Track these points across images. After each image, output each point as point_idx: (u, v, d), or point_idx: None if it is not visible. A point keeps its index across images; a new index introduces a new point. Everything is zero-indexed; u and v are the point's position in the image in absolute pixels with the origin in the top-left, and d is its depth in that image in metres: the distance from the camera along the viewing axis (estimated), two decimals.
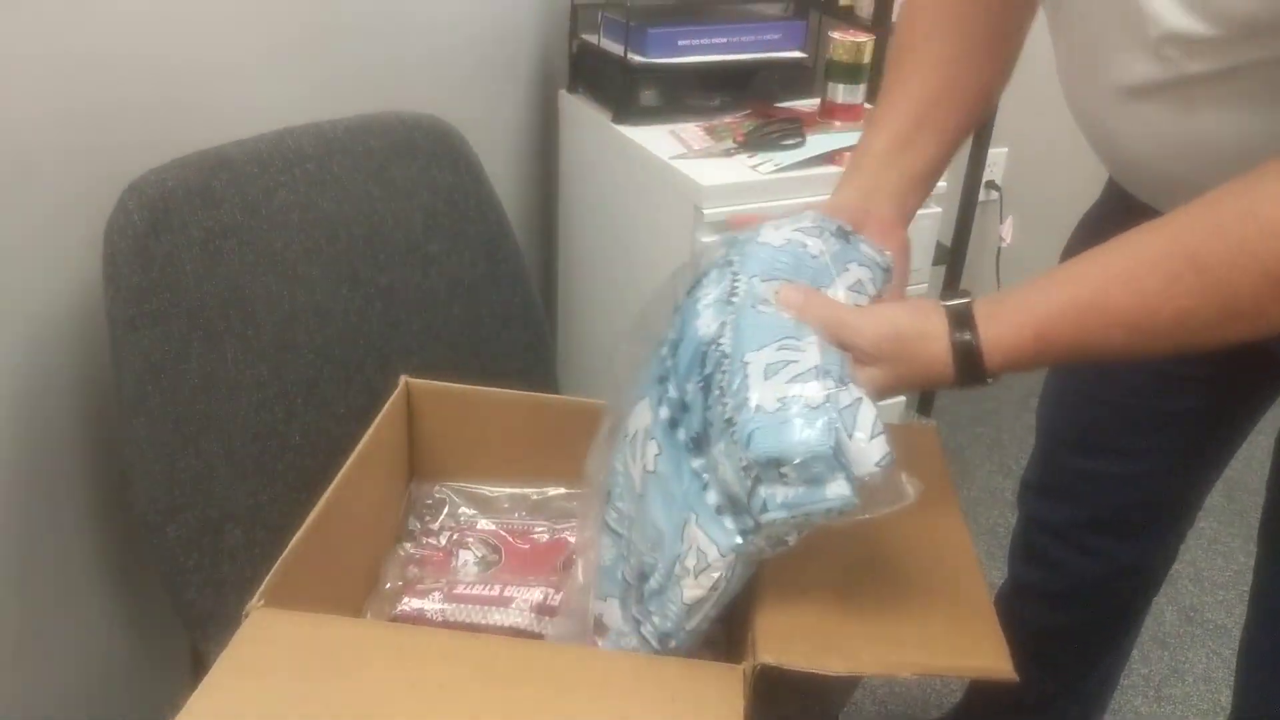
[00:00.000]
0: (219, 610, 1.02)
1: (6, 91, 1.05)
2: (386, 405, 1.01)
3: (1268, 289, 0.63)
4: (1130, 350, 0.69)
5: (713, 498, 0.71)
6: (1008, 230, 2.44)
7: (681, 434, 0.74)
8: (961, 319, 0.71)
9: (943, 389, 0.75)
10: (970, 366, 0.70)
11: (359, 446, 0.94)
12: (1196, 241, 0.65)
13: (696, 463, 0.73)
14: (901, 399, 1.81)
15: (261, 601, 0.74)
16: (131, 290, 0.97)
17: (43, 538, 1.16)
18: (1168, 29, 0.70)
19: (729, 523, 0.70)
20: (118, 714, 1.31)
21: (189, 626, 1.02)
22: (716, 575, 0.70)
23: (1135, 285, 0.67)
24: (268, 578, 0.76)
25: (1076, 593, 1.25)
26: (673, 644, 0.73)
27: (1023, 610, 1.28)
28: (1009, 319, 0.71)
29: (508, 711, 0.66)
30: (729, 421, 0.69)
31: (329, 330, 1.13)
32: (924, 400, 2.25)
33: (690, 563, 0.71)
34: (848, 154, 1.54)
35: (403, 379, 1.04)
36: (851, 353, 0.73)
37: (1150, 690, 1.75)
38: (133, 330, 0.97)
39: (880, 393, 0.72)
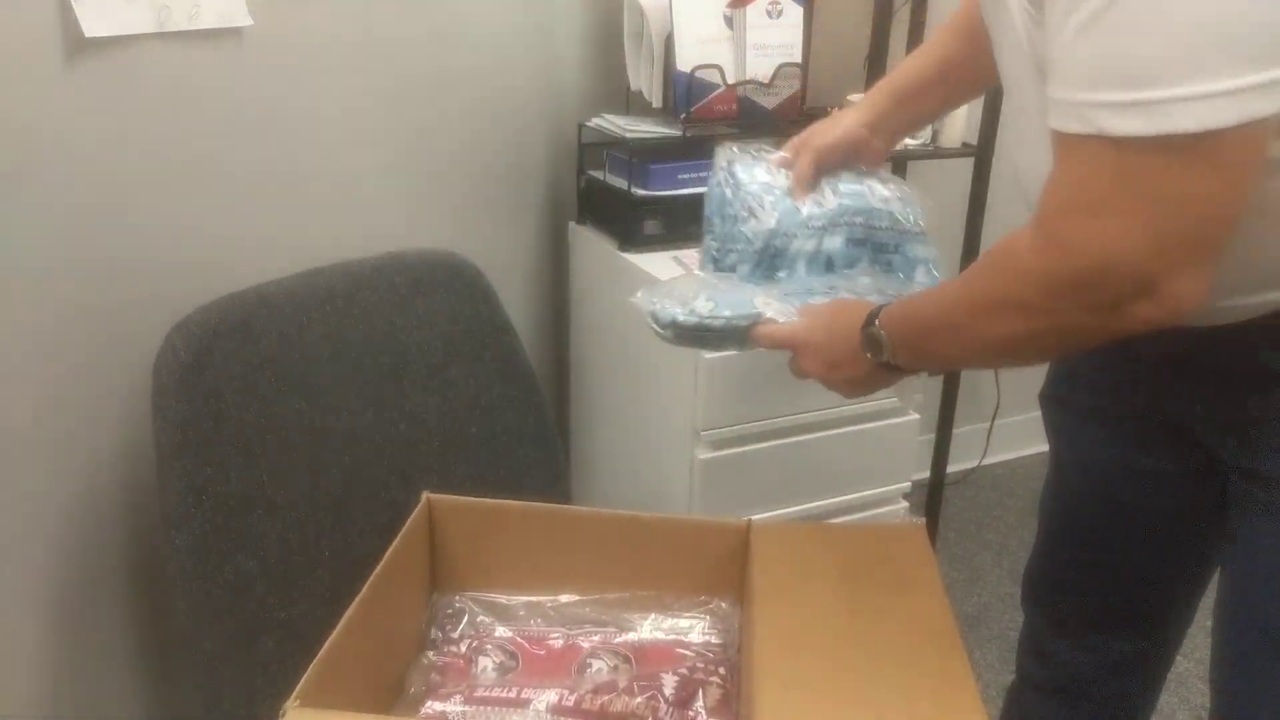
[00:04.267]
0: (253, 718, 1.07)
1: (73, 243, 1.15)
2: (409, 521, 1.08)
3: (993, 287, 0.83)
4: (957, 332, 0.87)
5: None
6: None
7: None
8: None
9: (850, 346, 0.97)
10: (871, 317, 0.94)
11: (384, 560, 1.01)
12: (987, 256, 0.85)
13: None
14: (906, 486, 1.86)
15: (298, 702, 0.81)
16: (177, 419, 1.05)
17: (85, 650, 1.22)
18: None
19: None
20: None
21: None
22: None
23: (964, 275, 0.88)
24: (302, 680, 0.82)
25: (1078, 687, 1.28)
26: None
27: (1028, 706, 1.32)
28: (899, 302, 0.96)
29: None
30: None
31: (356, 451, 1.21)
32: (930, 502, 2.29)
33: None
34: None
35: (424, 495, 1.11)
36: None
37: None
38: (177, 455, 1.05)
39: (810, 324, 1.01)
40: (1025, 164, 0.91)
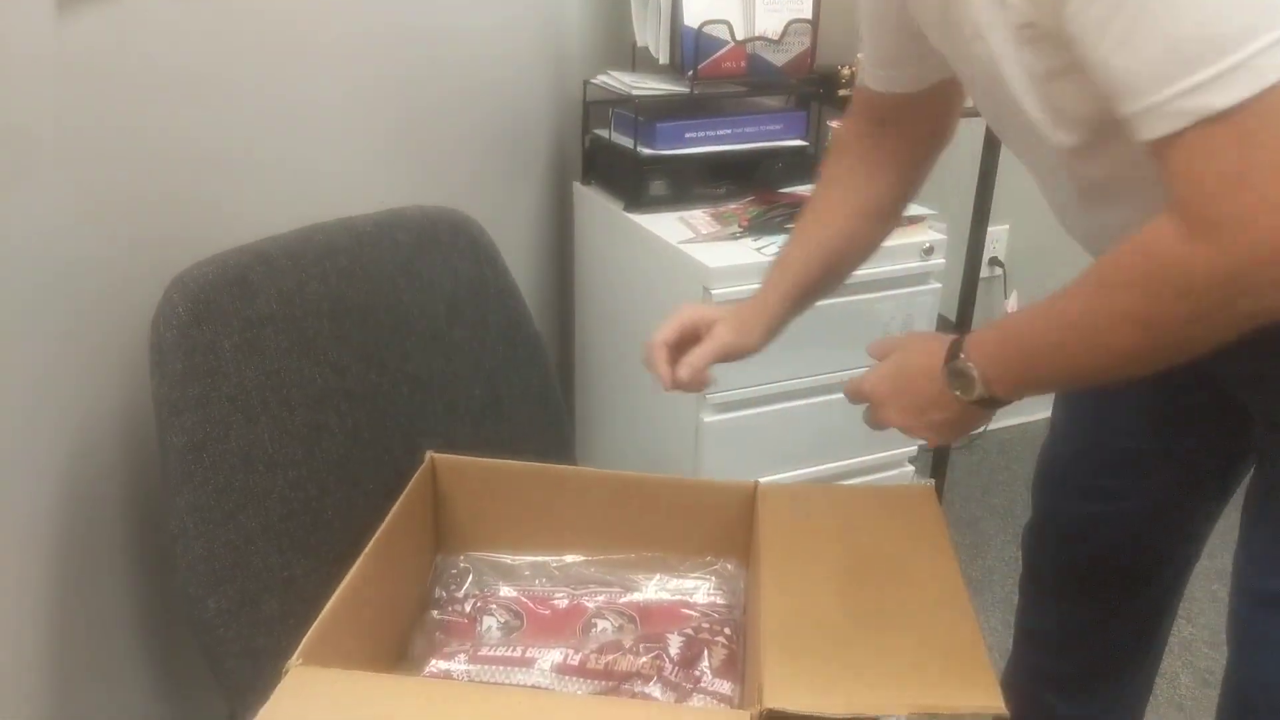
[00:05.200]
0: (256, 679, 1.06)
1: (60, 193, 1.13)
2: (413, 480, 1.07)
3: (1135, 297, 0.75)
4: (1061, 348, 0.81)
5: None
6: (1013, 305, 2.50)
7: None
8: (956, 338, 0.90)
9: (933, 387, 0.89)
10: (954, 349, 0.87)
11: (387, 520, 1.00)
12: (1107, 257, 0.77)
13: None
14: (912, 450, 1.85)
15: (300, 660, 0.80)
16: (176, 376, 1.04)
17: (84, 608, 1.21)
18: (1054, 144, 0.82)
19: None
20: None
21: (227, 695, 1.07)
22: None
23: (1066, 289, 0.80)
24: (305, 638, 0.82)
25: (1081, 639, 1.28)
26: None
27: (1031, 660, 1.32)
28: (985, 328, 0.89)
29: None
30: None
31: (358, 412, 1.19)
32: (936, 465, 2.29)
33: None
34: None
35: (428, 454, 1.10)
36: (890, 347, 0.97)
37: None
38: (177, 413, 1.03)
39: (882, 372, 0.95)
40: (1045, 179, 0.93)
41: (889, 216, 1.15)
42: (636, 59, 1.83)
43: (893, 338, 1.00)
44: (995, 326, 0.87)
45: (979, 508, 2.42)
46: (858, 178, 1.12)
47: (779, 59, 1.77)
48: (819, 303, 1.15)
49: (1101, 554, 1.22)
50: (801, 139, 1.82)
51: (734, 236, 1.63)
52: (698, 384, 1.08)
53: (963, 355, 0.86)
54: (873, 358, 0.99)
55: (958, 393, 0.87)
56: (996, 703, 0.73)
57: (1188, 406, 1.09)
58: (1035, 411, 2.74)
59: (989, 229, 2.21)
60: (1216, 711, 1.04)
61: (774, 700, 0.74)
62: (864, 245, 1.14)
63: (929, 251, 1.70)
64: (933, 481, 1.09)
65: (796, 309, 1.13)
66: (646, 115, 1.69)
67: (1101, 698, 1.32)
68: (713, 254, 1.57)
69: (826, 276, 1.13)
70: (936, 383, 0.88)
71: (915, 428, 0.93)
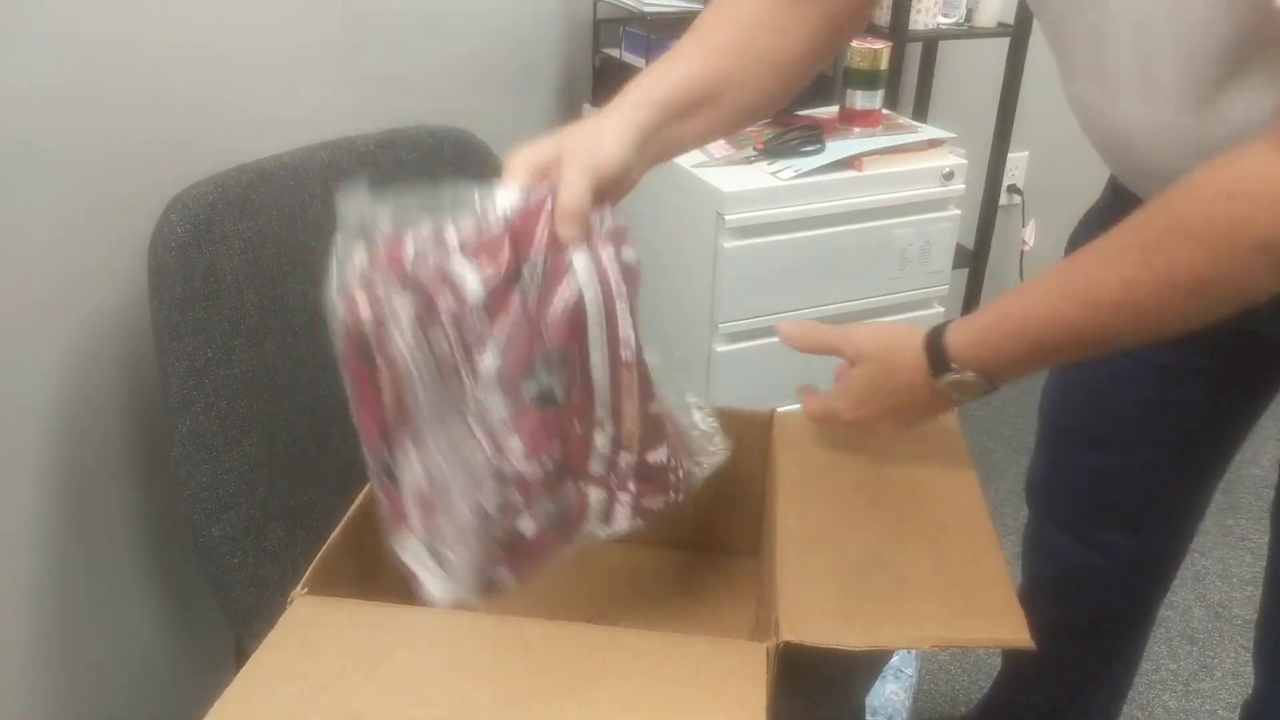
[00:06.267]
0: (262, 607, 1.05)
1: (54, 114, 1.09)
2: None
3: (1201, 255, 0.66)
4: (1087, 330, 0.73)
5: None
6: (1030, 234, 2.45)
7: None
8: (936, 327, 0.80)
9: (920, 398, 0.82)
10: (936, 345, 0.78)
11: None
12: (1142, 219, 0.70)
13: None
14: None
15: (305, 590, 0.78)
16: (176, 298, 1.01)
17: (87, 537, 1.20)
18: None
19: None
20: (160, 710, 1.34)
21: (233, 623, 1.06)
22: None
23: (1086, 261, 0.72)
24: (311, 567, 0.80)
25: (1086, 587, 1.26)
26: None
27: (1036, 607, 1.29)
28: (976, 314, 0.79)
29: (541, 687, 0.69)
30: None
31: None
32: None
33: None
34: (864, 159, 1.57)
35: None
36: (844, 352, 0.86)
37: (1179, 686, 1.75)
38: (177, 337, 1.01)
39: (866, 389, 0.84)
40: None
41: (794, 72, 0.91)
42: None
43: (844, 348, 0.87)
44: (990, 319, 0.78)
45: (991, 439, 2.40)
46: (765, 16, 0.88)
47: None
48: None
49: (1109, 506, 1.19)
50: None
51: (749, 160, 1.59)
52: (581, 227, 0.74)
53: (955, 365, 0.78)
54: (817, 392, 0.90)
55: (956, 397, 0.81)
56: (1021, 635, 0.71)
57: (1196, 366, 1.05)
58: None
59: (1008, 155, 2.16)
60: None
61: (791, 633, 0.72)
62: (758, 90, 0.88)
63: (949, 176, 1.65)
64: (955, 410, 1.05)
65: (664, 125, 0.82)
66: (659, 33, 1.64)
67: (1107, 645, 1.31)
68: (727, 178, 1.52)
69: (705, 100, 0.85)
70: (929, 395, 0.81)
71: (901, 430, 0.87)
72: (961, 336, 0.78)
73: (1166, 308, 0.69)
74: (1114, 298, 0.70)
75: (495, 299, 0.72)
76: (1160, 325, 0.71)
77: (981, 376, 0.78)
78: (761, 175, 1.54)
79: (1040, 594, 1.30)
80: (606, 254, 0.75)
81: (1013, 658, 1.46)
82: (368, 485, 0.91)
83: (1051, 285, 0.75)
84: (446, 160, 1.26)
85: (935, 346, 0.79)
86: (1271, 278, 0.66)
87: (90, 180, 1.12)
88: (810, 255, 1.56)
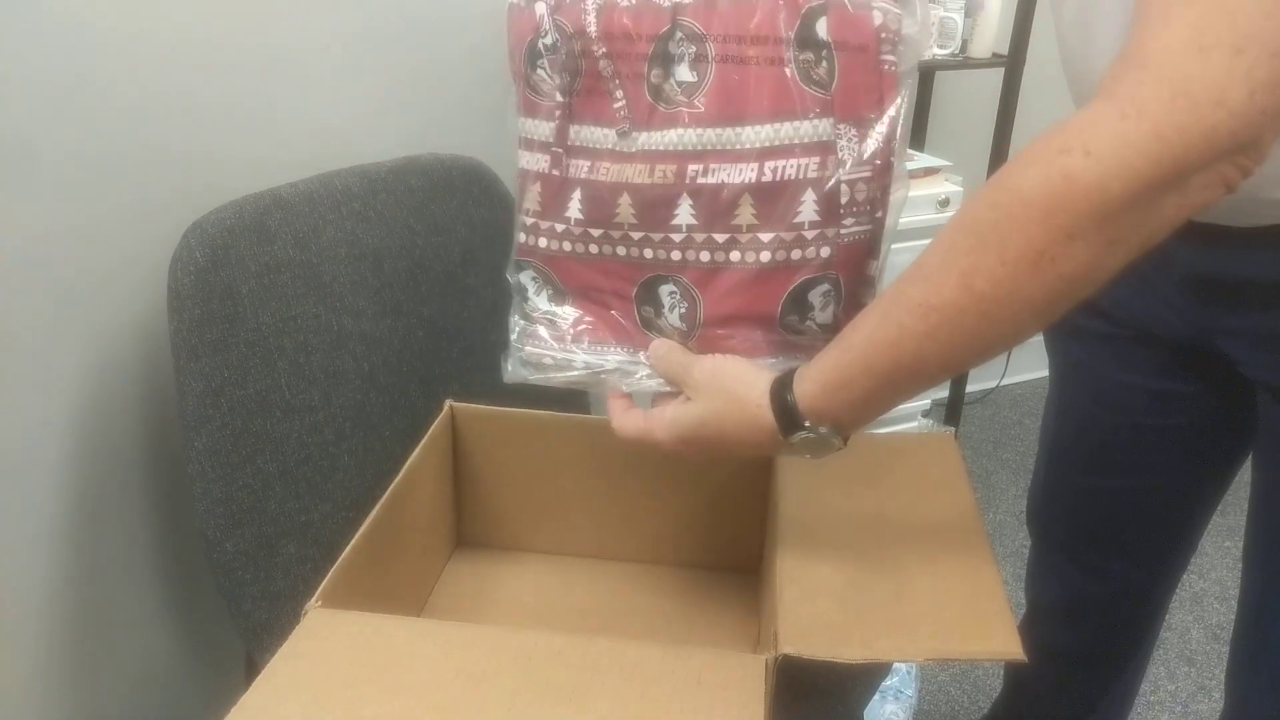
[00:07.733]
0: (274, 621, 1.08)
1: (80, 140, 1.12)
2: (432, 428, 1.07)
3: (1031, 217, 0.60)
4: (933, 341, 0.66)
5: None
6: None
7: None
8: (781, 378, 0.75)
9: (760, 450, 0.78)
10: (783, 402, 0.73)
11: (407, 465, 1.00)
12: (966, 210, 0.65)
13: None
14: (925, 404, 1.84)
15: (319, 602, 0.80)
16: (193, 320, 1.04)
17: (103, 550, 1.23)
18: None
19: None
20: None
21: (245, 637, 1.08)
22: None
23: (921, 271, 0.66)
24: (325, 580, 0.82)
25: (1087, 613, 1.27)
26: None
27: (1037, 631, 1.31)
28: (818, 356, 0.73)
29: (545, 696, 0.71)
30: None
31: (375, 357, 1.19)
32: (949, 419, 2.28)
33: None
34: None
35: (447, 404, 1.10)
36: (683, 388, 0.82)
37: (1177, 707, 1.77)
38: (194, 357, 1.04)
39: (691, 428, 0.79)
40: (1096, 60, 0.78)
41: None
42: None
43: (684, 383, 0.82)
44: (830, 358, 0.72)
45: (991, 462, 2.42)
46: None
47: None
48: None
49: (1107, 530, 1.20)
50: None
51: None
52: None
53: (808, 423, 0.72)
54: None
55: (804, 453, 0.75)
56: (1015, 649, 0.73)
57: (1183, 393, 1.06)
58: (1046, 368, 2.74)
59: None
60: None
61: (790, 646, 0.74)
62: None
63: (945, 203, 1.69)
64: (953, 430, 1.07)
65: None
66: None
67: (1103, 672, 1.33)
68: None
69: None
70: (770, 449, 0.76)
71: (697, 428, 0.80)
72: (809, 384, 0.72)
73: (1009, 296, 0.62)
74: (953, 295, 0.63)
75: None
76: (1011, 318, 0.63)
77: (833, 430, 0.73)
78: None
79: (1044, 620, 1.32)
80: None
81: (1013, 679, 1.47)
82: (380, 501, 0.94)
83: (888, 303, 0.68)
84: (456, 188, 1.30)
85: (783, 402, 0.73)
86: (1107, 249, 0.60)
87: (111, 193, 1.15)
88: None
